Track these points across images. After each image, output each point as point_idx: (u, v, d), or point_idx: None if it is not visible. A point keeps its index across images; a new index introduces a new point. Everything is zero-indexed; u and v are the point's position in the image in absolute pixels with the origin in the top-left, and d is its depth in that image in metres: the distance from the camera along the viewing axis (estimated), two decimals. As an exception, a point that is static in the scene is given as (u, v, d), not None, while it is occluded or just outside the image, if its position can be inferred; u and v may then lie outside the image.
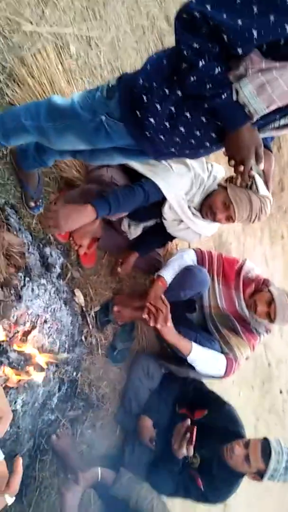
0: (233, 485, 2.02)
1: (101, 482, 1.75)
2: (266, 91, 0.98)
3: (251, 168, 1.14)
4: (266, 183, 1.30)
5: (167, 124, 1.16)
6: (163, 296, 2.02)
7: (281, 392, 4.61)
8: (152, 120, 1.16)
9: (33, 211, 1.92)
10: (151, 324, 2.00)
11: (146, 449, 2.13)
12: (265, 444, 1.92)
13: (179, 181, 1.76)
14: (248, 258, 3.87)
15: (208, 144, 1.21)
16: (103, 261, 2.29)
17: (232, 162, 1.15)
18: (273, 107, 1.02)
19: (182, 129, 1.16)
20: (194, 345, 2.07)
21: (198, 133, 1.16)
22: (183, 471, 2.04)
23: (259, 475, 1.92)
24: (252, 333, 2.26)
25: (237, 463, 1.95)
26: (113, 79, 1.23)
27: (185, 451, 1.90)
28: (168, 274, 2.16)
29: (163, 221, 1.99)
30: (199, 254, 2.29)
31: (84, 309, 2.12)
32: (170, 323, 2.01)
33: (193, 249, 2.30)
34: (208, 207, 1.84)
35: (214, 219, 1.85)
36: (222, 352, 2.18)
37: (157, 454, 2.12)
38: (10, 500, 0.71)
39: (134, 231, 2.18)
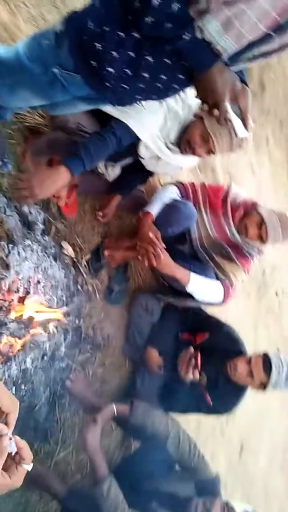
0: (239, 396, 2.20)
1: (118, 416, 1.90)
2: (234, 26, 0.85)
3: (226, 111, 1.04)
4: (244, 122, 1.19)
5: (128, 71, 1.03)
6: (151, 234, 2.00)
7: (276, 294, 4.83)
8: (110, 69, 1.03)
9: (1, 170, 1.80)
10: (146, 264, 2.01)
11: (155, 376, 2.28)
12: (266, 359, 2.06)
13: (152, 119, 1.63)
14: (234, 173, 3.79)
15: (176, 86, 1.09)
16: (85, 207, 2.21)
17: (205, 106, 1.05)
18: (243, 43, 0.90)
19: (145, 74, 1.04)
20: (192, 274, 2.10)
21: (164, 76, 1.04)
22: (192, 390, 2.20)
23: (262, 386, 2.08)
24: (245, 257, 2.28)
25: (241, 378, 2.10)
26: (60, 23, 1.07)
27: (191, 375, 2.04)
28: (154, 209, 2.12)
29: (141, 160, 1.89)
30: (182, 188, 2.22)
31: (75, 259, 2.11)
32: (164, 256, 2.01)
33: (175, 185, 2.22)
34: (186, 142, 1.72)
35: (194, 154, 1.75)
36: (218, 279, 2.23)
37: (167, 379, 2.28)
38: (29, 467, 0.79)
39: (112, 172, 2.08)
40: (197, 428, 2.95)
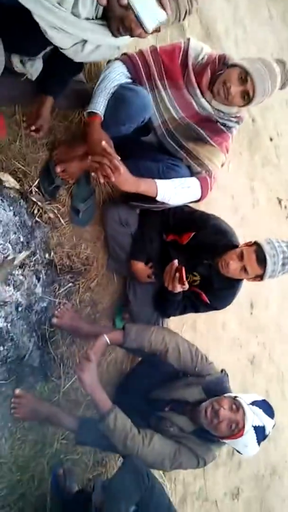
0: (236, 290, 2.07)
1: (112, 344, 1.83)
2: None
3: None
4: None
5: None
6: (103, 143, 1.62)
7: (271, 139, 4.36)
8: None
9: None
10: (102, 180, 1.69)
11: (147, 286, 2.15)
12: (259, 251, 1.85)
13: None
14: (202, 7, 3.01)
15: None
16: (16, 117, 1.77)
17: None
18: None
19: None
20: (159, 183, 1.78)
21: None
22: (187, 291, 2.09)
23: (259, 277, 1.93)
24: (221, 133, 1.90)
25: (235, 275, 1.94)
26: None
27: (180, 288, 1.89)
28: (100, 106, 1.68)
29: (63, 51, 1.39)
30: (129, 62, 1.72)
31: (21, 190, 1.78)
32: (122, 170, 1.67)
33: (119, 59, 1.71)
34: (119, 22, 1.20)
35: (132, 35, 1.25)
36: (193, 172, 1.90)
37: (159, 286, 2.15)
38: None
39: (33, 68, 1.59)
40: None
